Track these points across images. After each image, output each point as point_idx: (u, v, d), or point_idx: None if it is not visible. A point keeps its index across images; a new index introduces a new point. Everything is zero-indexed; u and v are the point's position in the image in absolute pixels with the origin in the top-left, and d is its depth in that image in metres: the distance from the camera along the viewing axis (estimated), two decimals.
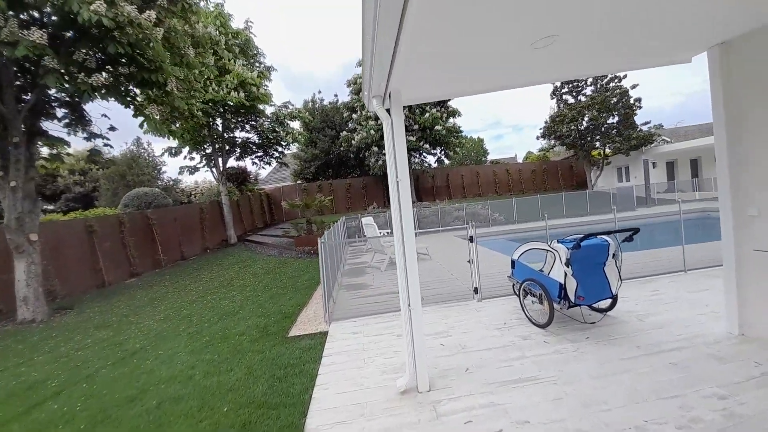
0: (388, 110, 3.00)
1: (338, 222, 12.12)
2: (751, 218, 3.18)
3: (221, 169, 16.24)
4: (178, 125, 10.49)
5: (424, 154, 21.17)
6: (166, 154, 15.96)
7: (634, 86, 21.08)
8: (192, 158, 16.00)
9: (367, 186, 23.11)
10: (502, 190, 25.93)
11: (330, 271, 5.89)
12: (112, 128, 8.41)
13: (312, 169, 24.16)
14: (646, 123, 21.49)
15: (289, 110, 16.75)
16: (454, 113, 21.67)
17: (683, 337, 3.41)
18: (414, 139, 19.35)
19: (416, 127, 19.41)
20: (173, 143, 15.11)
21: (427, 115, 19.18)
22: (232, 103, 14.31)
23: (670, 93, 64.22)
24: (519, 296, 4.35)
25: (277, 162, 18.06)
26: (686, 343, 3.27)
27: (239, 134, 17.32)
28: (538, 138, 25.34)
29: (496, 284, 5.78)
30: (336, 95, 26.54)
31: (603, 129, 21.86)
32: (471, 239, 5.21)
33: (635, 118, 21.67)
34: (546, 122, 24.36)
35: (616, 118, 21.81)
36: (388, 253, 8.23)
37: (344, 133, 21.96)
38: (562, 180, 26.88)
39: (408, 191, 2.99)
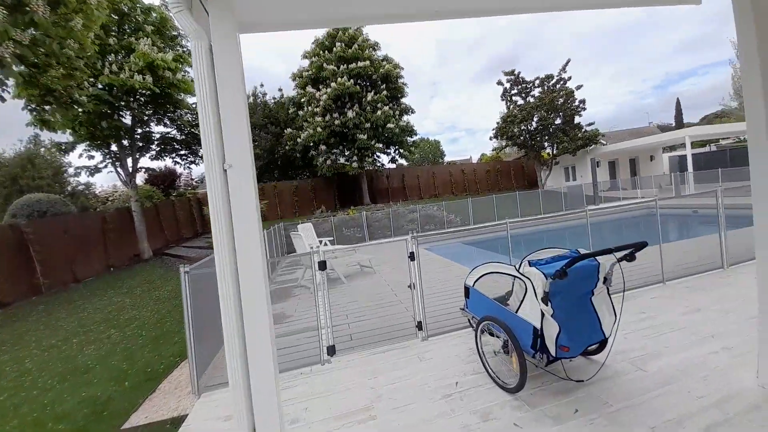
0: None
1: (273, 229, 10.30)
2: None
3: (130, 170, 13.53)
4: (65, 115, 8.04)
5: (377, 153, 19.85)
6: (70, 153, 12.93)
7: (578, 87, 21.65)
8: (91, 156, 13.12)
9: (316, 188, 21.26)
10: (458, 191, 25.51)
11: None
12: None
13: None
14: (591, 124, 22.22)
15: None
16: (407, 110, 20.68)
17: (707, 400, 2.29)
18: (365, 137, 17.96)
19: (368, 125, 18.05)
20: (63, 137, 12.20)
21: (379, 112, 17.92)
22: (140, 89, 11.84)
23: (603, 102, 70.17)
24: (477, 339, 3.06)
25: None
26: (717, 414, 2.15)
27: (157, 129, 14.69)
28: (491, 138, 25.35)
29: (448, 310, 4.49)
30: (281, 89, 24.37)
31: (551, 129, 22.21)
32: (411, 256, 3.84)
33: (580, 119, 22.33)
34: (498, 123, 24.34)
35: (563, 119, 22.28)
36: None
37: (288, 130, 19.96)
38: (515, 180, 27.17)
39: (250, 184, 1.54)
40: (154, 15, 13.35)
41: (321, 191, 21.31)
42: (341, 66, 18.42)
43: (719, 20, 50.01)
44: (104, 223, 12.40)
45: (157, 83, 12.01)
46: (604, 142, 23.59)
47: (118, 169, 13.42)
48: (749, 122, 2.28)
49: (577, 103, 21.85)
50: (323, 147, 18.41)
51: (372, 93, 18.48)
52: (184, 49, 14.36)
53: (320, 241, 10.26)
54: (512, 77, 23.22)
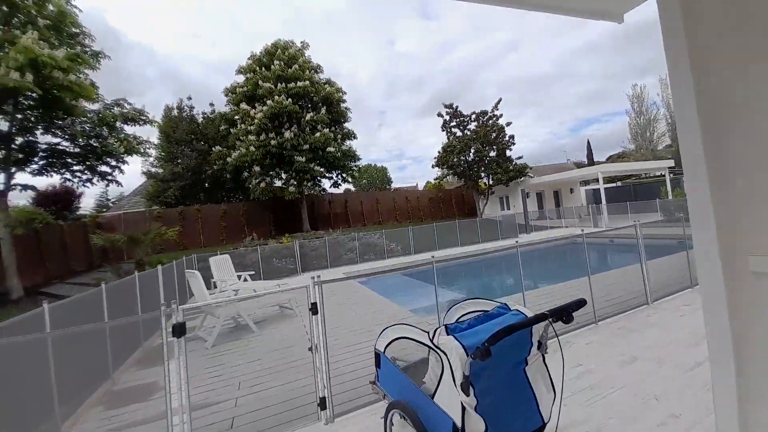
0: None
1: (177, 263, 8.63)
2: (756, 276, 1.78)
3: (1, 186, 10.80)
4: None
5: (319, 178, 18.88)
6: None
7: (508, 123, 23.51)
8: None
9: (249, 213, 19.41)
10: (402, 218, 25.44)
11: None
12: None
13: (173, 191, 19.16)
14: (520, 157, 24.08)
15: (123, 110, 12.48)
16: (350, 135, 20.33)
17: None
18: (304, 160, 17.00)
19: (306, 147, 17.17)
20: None
21: (319, 134, 17.21)
22: (21, 90, 9.65)
23: (529, 140, 79.13)
24: (386, 427, 2.24)
25: (105, 180, 13.11)
26: None
27: (45, 138, 12.12)
28: (432, 167, 26.08)
29: (371, 374, 3.63)
30: (212, 104, 22.54)
31: (486, 161, 23.55)
32: (314, 309, 2.96)
33: (510, 153, 24.10)
34: (439, 152, 25.25)
35: (496, 152, 23.83)
36: (220, 315, 5.38)
37: (217, 148, 18.20)
38: (456, 208, 28.06)
39: None
40: (51, 8, 11.42)
41: (254, 216, 19.50)
42: (279, 85, 17.59)
43: (619, 76, 60.36)
44: None
45: (42, 84, 9.92)
46: (532, 175, 25.68)
47: None
48: (684, 154, 1.92)
49: (507, 138, 23.61)
50: (257, 168, 16.99)
51: (312, 113, 17.81)
52: (87, 49, 12.41)
53: (239, 276, 8.84)
54: (451, 110, 24.52)
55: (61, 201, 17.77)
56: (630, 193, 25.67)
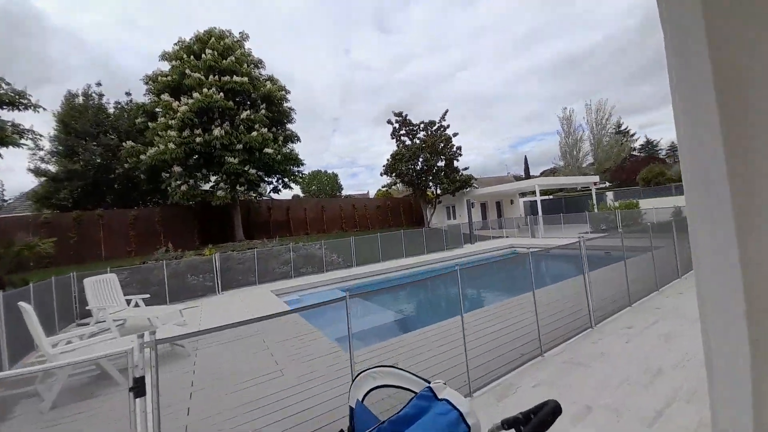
0: None
1: (36, 286, 6.59)
2: None
3: None
4: None
5: (254, 181, 17.01)
6: None
7: (455, 134, 23.94)
8: None
9: (167, 220, 16.83)
10: (348, 226, 24.38)
11: None
12: None
13: (67, 192, 15.88)
14: (466, 168, 24.60)
15: None
16: (292, 137, 18.88)
17: None
18: (236, 161, 15.15)
19: (239, 146, 15.36)
20: None
21: (255, 133, 15.52)
22: None
23: (475, 153, 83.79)
24: None
25: None
26: None
27: None
28: (381, 174, 25.50)
29: None
30: (129, 93, 19.51)
31: (434, 170, 23.65)
32: (137, 387, 1.81)
33: (457, 163, 24.53)
34: (388, 160, 24.82)
35: (443, 162, 24.07)
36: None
37: (129, 143, 15.55)
38: (404, 216, 27.79)
39: None
40: None
41: (175, 224, 16.95)
42: (211, 77, 15.65)
43: (554, 100, 66.86)
44: None
45: None
46: (477, 186, 26.45)
47: None
48: (693, 151, 1.25)
49: (454, 148, 24.01)
50: (177, 168, 14.73)
51: (248, 111, 16.09)
52: None
53: (128, 301, 7.05)
54: (400, 118, 24.32)
55: None
56: (561, 206, 27.64)
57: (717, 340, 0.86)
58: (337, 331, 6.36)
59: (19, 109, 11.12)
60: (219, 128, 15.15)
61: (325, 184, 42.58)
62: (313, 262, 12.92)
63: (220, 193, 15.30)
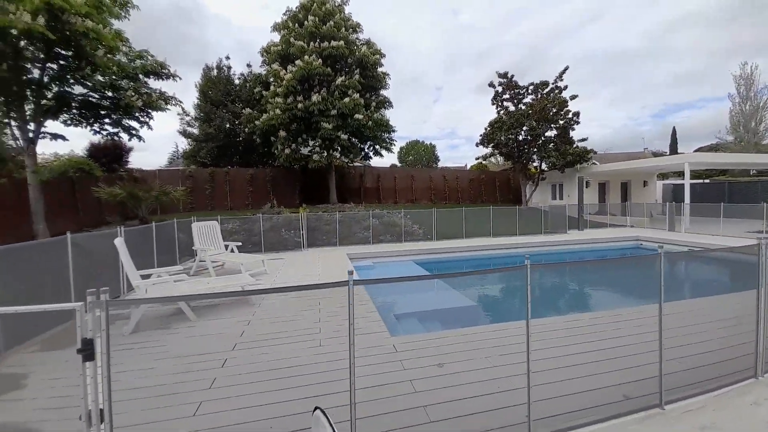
0: None
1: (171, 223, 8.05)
2: None
3: (29, 134, 11.11)
4: None
5: (346, 147, 17.47)
6: None
7: (573, 97, 19.82)
8: None
9: (275, 179, 18.94)
10: (438, 198, 23.51)
11: None
12: None
13: (206, 152, 19.29)
14: (584, 139, 20.40)
15: (144, 63, 12.08)
16: (384, 103, 18.57)
17: None
18: (330, 126, 15.74)
19: (334, 112, 15.83)
20: None
21: (347, 99, 15.71)
22: (37, 33, 9.46)
23: (600, 125, 69.20)
24: None
25: (129, 135, 13.10)
26: None
27: (79, 90, 12.26)
28: (477, 145, 23.25)
29: None
30: (249, 65, 21.95)
31: (541, 141, 20.35)
32: (85, 349, 1.67)
33: (573, 133, 20.52)
34: (486, 129, 22.38)
35: (554, 132, 20.45)
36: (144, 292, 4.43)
37: (247, 110, 17.64)
38: (499, 192, 25.31)
39: None
40: None
41: (280, 184, 19.01)
42: (311, 43, 16.22)
43: (722, 54, 49.16)
44: None
45: (58, 29, 9.63)
46: (596, 162, 21.87)
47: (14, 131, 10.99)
48: None
49: (570, 115, 20.01)
50: (283, 133, 16.15)
51: (343, 77, 16.29)
52: None
53: (226, 246, 8.09)
54: (505, 80, 21.28)
55: (110, 155, 18.73)
56: (723, 193, 20.90)
57: None
58: (395, 308, 6.00)
59: (162, 79, 13.40)
60: (317, 94, 15.81)
61: (422, 154, 41.85)
62: (393, 231, 12.80)
63: (315, 157, 16.29)
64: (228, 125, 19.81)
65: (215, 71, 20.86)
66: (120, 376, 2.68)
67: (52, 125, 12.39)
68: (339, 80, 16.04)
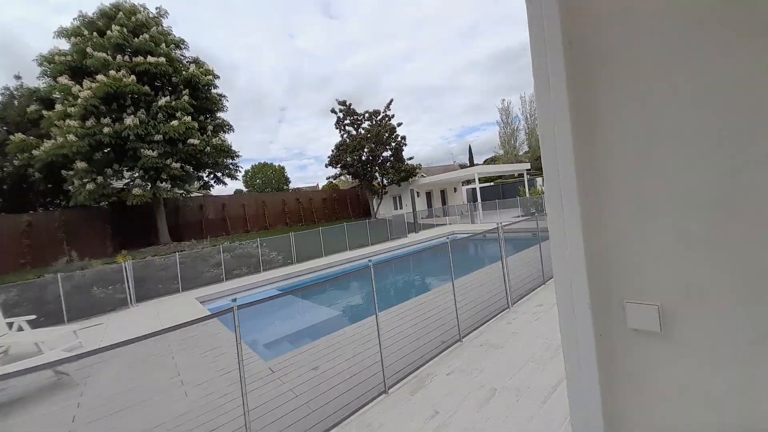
0: None
1: None
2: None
3: None
4: None
5: (178, 178, 15.11)
6: None
7: (399, 124, 24.03)
8: None
9: (70, 224, 14.50)
10: (293, 221, 23.41)
11: None
12: None
13: None
14: (411, 158, 24.91)
15: None
16: (223, 126, 17.41)
17: None
18: (155, 154, 13.46)
19: (159, 137, 13.67)
20: None
21: (176, 122, 13.91)
22: None
23: (422, 143, 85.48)
24: None
25: None
26: None
27: None
28: (326, 165, 24.83)
29: None
30: (18, 76, 16.38)
31: (380, 161, 23.59)
32: None
33: (402, 153, 24.73)
34: (332, 150, 24.21)
35: (389, 152, 24.11)
36: None
37: (18, 135, 13.11)
38: (351, 208, 27.47)
39: None
40: None
41: (81, 229, 14.64)
42: (119, 57, 13.65)
43: (492, 92, 70.46)
44: None
45: None
46: (424, 175, 27.00)
47: None
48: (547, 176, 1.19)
49: (399, 138, 24.13)
50: (81, 164, 12.70)
51: (168, 97, 14.37)
52: None
53: (9, 325, 5.90)
54: (344, 107, 23.75)
55: None
56: (499, 192, 29.44)
57: (566, 333, 0.86)
58: (262, 337, 5.97)
59: None
60: (132, 116, 13.33)
61: (271, 177, 40.45)
62: (249, 262, 12.11)
63: (136, 191, 13.53)
64: None
65: None
66: None
67: None
68: (163, 101, 14.03)
